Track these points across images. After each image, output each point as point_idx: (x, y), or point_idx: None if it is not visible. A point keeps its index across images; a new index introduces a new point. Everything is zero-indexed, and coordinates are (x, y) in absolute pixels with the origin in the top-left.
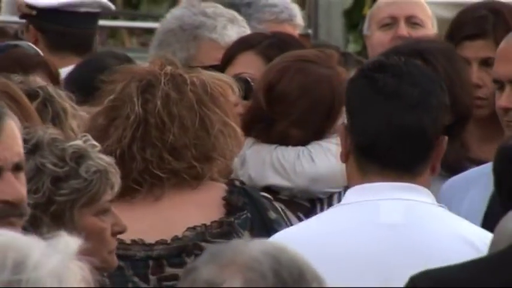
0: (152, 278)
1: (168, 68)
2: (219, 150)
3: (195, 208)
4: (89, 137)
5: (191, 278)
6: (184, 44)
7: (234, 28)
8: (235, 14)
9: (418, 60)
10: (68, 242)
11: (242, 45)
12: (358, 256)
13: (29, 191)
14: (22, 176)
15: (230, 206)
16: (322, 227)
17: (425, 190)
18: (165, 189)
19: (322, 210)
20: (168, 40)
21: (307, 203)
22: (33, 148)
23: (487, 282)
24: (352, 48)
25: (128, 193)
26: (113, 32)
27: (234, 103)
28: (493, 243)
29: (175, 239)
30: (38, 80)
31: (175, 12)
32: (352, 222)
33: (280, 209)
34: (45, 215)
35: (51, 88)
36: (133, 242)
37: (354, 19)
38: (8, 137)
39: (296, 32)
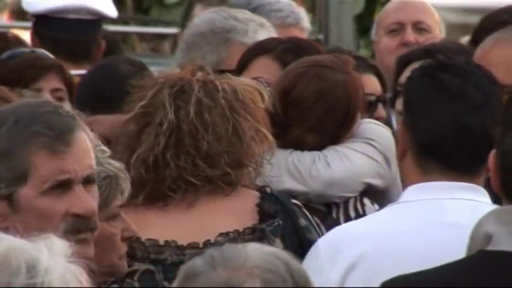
0: None
1: (200, 74)
2: (251, 157)
3: (228, 214)
4: (99, 142)
5: (202, 281)
6: (215, 47)
7: (264, 33)
8: (264, 19)
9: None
10: (61, 245)
11: (258, 50)
12: (425, 254)
13: None
14: (93, 189)
15: (263, 213)
16: (386, 223)
17: (484, 191)
18: (198, 196)
19: (338, 215)
20: (198, 43)
21: (323, 207)
22: None
23: (459, 284)
24: (363, 53)
25: (161, 199)
26: (124, 37)
27: (264, 109)
28: (469, 245)
29: (208, 243)
30: (48, 97)
31: (204, 15)
32: (418, 220)
33: (309, 216)
34: None
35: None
36: (167, 242)
37: (364, 24)
38: (79, 150)
39: (304, 36)
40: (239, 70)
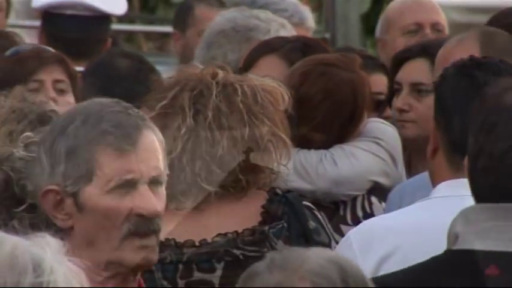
0: (180, 281)
1: (220, 77)
2: (267, 162)
3: (232, 216)
4: None
5: (258, 282)
6: (236, 46)
7: (285, 33)
8: (285, 20)
9: None
10: (57, 244)
11: (265, 48)
12: None
13: None
14: (160, 190)
15: (267, 215)
16: (418, 217)
17: None
18: (210, 201)
19: (345, 213)
20: (219, 41)
21: (332, 205)
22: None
23: (424, 284)
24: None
25: (173, 204)
26: (130, 36)
27: (283, 110)
28: (447, 245)
29: (204, 243)
30: (52, 104)
31: (226, 14)
32: (449, 215)
33: (321, 218)
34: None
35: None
36: (167, 240)
37: (371, 23)
38: (146, 150)
39: (309, 35)
40: (245, 69)
